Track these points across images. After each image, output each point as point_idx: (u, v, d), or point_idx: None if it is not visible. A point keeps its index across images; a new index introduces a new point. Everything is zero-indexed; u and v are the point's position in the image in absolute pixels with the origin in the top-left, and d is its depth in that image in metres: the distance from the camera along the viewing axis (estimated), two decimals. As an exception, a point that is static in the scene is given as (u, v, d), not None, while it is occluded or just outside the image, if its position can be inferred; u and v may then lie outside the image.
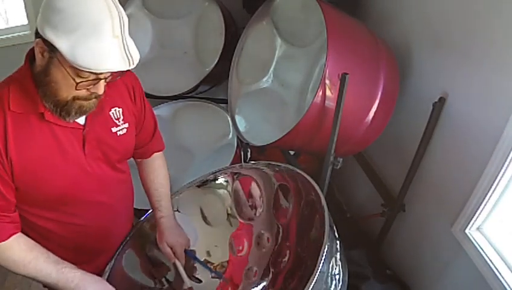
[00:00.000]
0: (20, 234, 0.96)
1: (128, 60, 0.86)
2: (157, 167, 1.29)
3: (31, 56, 0.92)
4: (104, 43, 0.82)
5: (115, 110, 1.06)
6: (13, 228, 0.95)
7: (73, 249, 1.12)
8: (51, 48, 0.82)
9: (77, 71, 0.84)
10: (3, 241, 0.92)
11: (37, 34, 0.84)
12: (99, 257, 1.18)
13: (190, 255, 1.27)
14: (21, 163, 0.91)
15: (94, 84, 0.88)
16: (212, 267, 1.30)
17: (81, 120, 0.98)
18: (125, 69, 0.87)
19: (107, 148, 1.06)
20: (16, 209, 0.96)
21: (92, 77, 0.86)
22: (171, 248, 1.21)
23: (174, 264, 1.23)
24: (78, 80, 0.85)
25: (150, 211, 1.31)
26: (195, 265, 1.30)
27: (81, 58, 0.80)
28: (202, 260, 1.30)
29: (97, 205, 1.11)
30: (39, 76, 0.88)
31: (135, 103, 1.12)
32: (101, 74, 0.87)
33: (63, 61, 0.83)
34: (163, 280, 1.27)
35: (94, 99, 0.93)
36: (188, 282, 1.21)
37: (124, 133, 1.09)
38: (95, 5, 0.81)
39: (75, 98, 0.90)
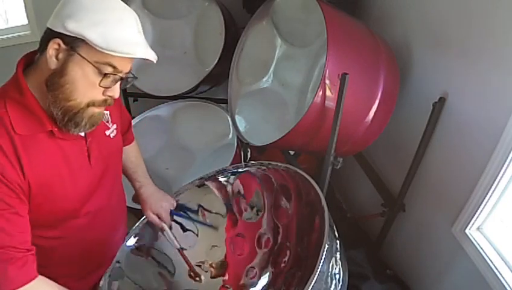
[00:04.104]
0: (40, 276, 0.88)
1: (153, 52, 0.90)
2: (129, 146, 1.31)
3: (24, 66, 0.89)
4: (133, 34, 0.85)
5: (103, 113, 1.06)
6: (36, 268, 0.87)
7: (78, 263, 1.11)
8: (72, 44, 0.81)
9: (101, 66, 0.83)
10: (28, 283, 0.84)
11: (51, 35, 0.82)
12: (102, 267, 1.16)
13: (177, 214, 1.30)
14: (37, 184, 0.89)
15: (112, 86, 0.88)
16: (210, 264, 1.30)
17: None
18: (154, 60, 0.89)
19: (107, 153, 1.06)
20: None
21: (111, 77, 0.86)
22: (157, 215, 1.25)
23: (162, 229, 1.26)
24: (100, 78, 0.85)
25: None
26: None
27: (115, 44, 0.81)
28: (201, 260, 1.30)
29: (101, 214, 1.10)
30: (51, 79, 0.84)
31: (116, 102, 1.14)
32: (122, 72, 0.87)
33: (88, 55, 0.82)
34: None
35: (103, 109, 0.92)
36: (177, 244, 1.25)
37: (115, 135, 1.11)
38: (118, 5, 0.85)
39: (89, 104, 0.88)
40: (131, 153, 1.30)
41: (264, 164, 1.25)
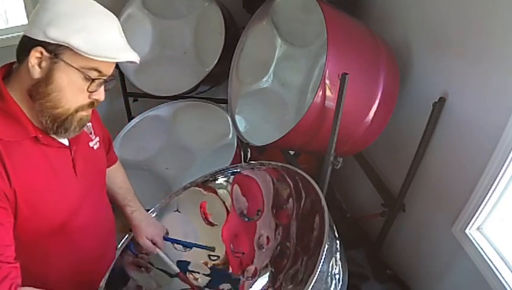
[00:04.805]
0: None
1: (136, 54, 0.89)
2: (114, 169, 1.28)
3: (4, 75, 0.87)
4: (115, 38, 0.85)
5: (86, 125, 1.03)
6: (18, 285, 0.81)
7: (70, 284, 1.08)
8: (56, 52, 0.80)
9: (86, 71, 0.83)
10: None
11: (31, 44, 0.80)
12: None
13: (170, 240, 1.28)
14: (23, 193, 0.85)
15: (98, 89, 0.88)
16: (214, 264, 1.30)
17: (64, 140, 0.95)
18: (137, 61, 0.89)
19: (91, 165, 1.05)
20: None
21: (97, 81, 0.85)
22: (151, 240, 1.22)
23: (157, 255, 1.24)
24: (87, 83, 0.84)
25: (150, 211, 1.31)
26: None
27: (101, 49, 0.81)
28: (204, 260, 1.30)
29: (91, 230, 1.08)
30: (36, 88, 0.83)
31: (96, 117, 1.13)
32: (106, 76, 0.87)
33: (73, 61, 0.81)
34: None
35: (90, 111, 0.91)
36: (175, 268, 1.23)
37: (98, 147, 1.09)
38: (98, 8, 0.85)
39: (78, 110, 0.87)
40: (118, 178, 1.27)
41: (264, 163, 1.25)
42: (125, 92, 2.48)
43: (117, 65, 2.28)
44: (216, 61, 2.12)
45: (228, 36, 2.10)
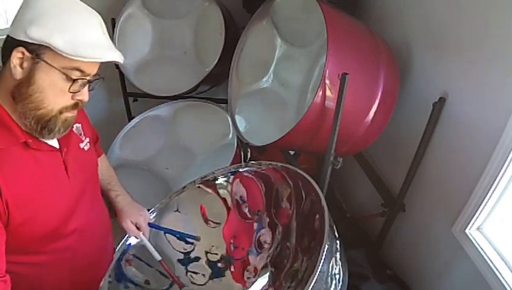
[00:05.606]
0: None
1: (119, 53, 0.88)
2: (99, 159, 1.26)
3: None
4: (98, 37, 0.83)
5: (76, 126, 1.04)
6: None
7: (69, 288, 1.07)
8: (37, 52, 0.78)
9: (68, 71, 0.81)
10: None
11: (13, 44, 0.78)
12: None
13: (155, 227, 1.27)
14: (15, 201, 0.83)
15: (81, 90, 0.86)
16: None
17: (55, 143, 0.94)
18: (121, 61, 0.87)
19: (83, 167, 1.04)
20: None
21: (80, 82, 0.84)
22: (135, 225, 1.21)
23: (140, 240, 1.23)
24: (68, 83, 0.82)
25: (150, 211, 1.32)
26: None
27: (83, 49, 0.79)
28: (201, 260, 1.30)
29: (87, 232, 1.06)
30: (18, 90, 0.81)
31: (84, 117, 1.12)
32: (90, 75, 0.86)
33: (54, 61, 0.79)
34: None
35: (75, 112, 0.89)
36: (157, 255, 1.21)
37: (89, 148, 1.08)
38: (80, 7, 0.83)
39: (61, 111, 0.85)
40: (102, 165, 1.25)
41: (263, 163, 1.25)
42: (125, 92, 2.48)
43: (117, 65, 2.29)
44: (216, 61, 2.12)
45: (228, 36, 2.10)
